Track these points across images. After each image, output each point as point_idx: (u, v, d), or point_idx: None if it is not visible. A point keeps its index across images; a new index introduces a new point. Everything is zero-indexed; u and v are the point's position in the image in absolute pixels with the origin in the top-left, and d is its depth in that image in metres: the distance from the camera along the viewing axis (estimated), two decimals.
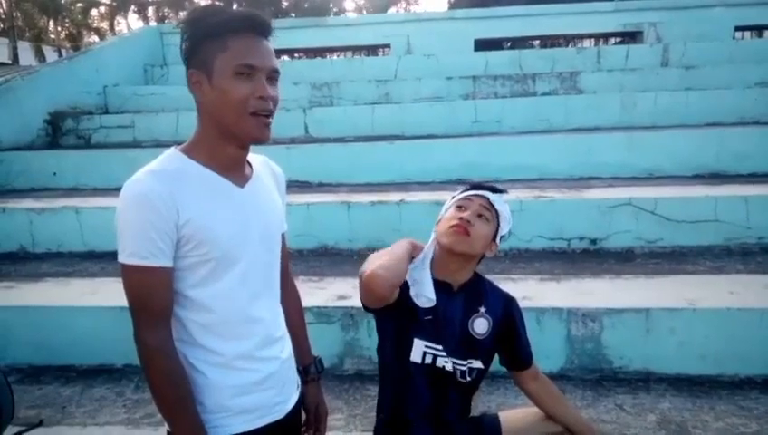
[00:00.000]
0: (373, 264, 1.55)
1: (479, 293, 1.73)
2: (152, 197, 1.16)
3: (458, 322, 1.68)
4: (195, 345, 1.28)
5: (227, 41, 1.19)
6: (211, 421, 1.28)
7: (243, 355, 1.31)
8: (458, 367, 1.68)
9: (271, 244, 1.39)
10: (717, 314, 2.94)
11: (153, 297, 1.20)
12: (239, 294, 1.29)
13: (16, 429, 2.21)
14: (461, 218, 1.64)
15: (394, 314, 1.66)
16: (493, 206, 1.70)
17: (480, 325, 1.69)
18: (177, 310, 1.26)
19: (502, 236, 1.74)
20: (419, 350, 1.65)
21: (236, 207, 1.28)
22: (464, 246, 1.63)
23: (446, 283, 1.68)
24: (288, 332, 1.52)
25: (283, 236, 1.51)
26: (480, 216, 1.67)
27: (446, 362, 1.65)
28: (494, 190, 1.74)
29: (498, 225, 1.71)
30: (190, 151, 1.27)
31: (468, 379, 1.70)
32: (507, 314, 1.76)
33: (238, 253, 1.27)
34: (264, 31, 1.24)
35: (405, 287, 1.64)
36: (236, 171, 1.31)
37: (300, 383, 1.54)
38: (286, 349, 1.44)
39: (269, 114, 1.23)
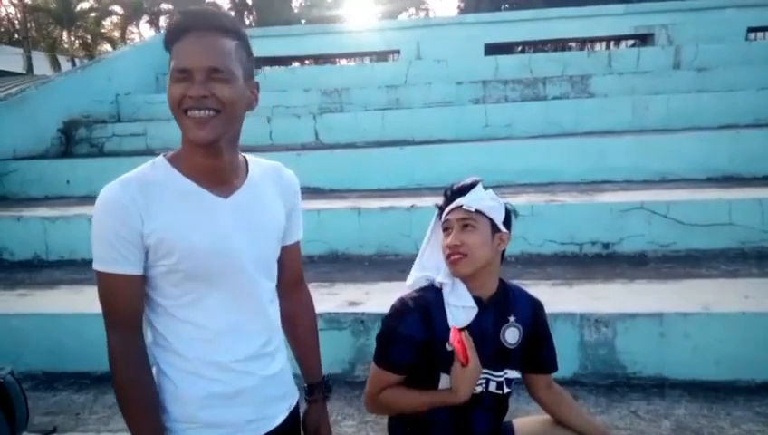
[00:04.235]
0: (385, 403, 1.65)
1: (507, 301, 1.69)
2: (116, 205, 1.18)
3: (491, 335, 1.65)
4: (167, 350, 1.27)
5: (173, 48, 1.19)
6: (176, 431, 1.26)
7: (214, 364, 1.27)
8: (494, 379, 1.66)
9: (261, 255, 1.33)
10: (732, 319, 2.90)
11: (116, 303, 1.21)
12: (215, 306, 1.26)
13: None
14: (449, 246, 1.60)
15: (419, 365, 1.63)
16: (471, 209, 1.61)
17: (511, 335, 1.67)
18: (152, 316, 1.28)
19: (505, 223, 1.66)
20: (447, 383, 1.61)
21: (214, 219, 1.24)
22: (468, 268, 1.60)
23: (476, 297, 1.64)
24: (295, 346, 1.50)
25: (299, 243, 1.49)
26: (465, 226, 1.60)
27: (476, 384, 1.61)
28: (464, 191, 1.65)
29: (490, 218, 1.63)
30: (175, 160, 1.26)
31: (506, 390, 1.68)
32: (536, 318, 1.73)
33: (215, 265, 1.24)
34: (206, 25, 1.18)
35: (430, 332, 1.60)
36: (217, 181, 1.26)
37: (297, 402, 1.48)
38: (272, 366, 1.37)
39: (203, 110, 1.16)
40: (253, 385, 1.31)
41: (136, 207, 1.18)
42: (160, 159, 1.27)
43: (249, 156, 1.39)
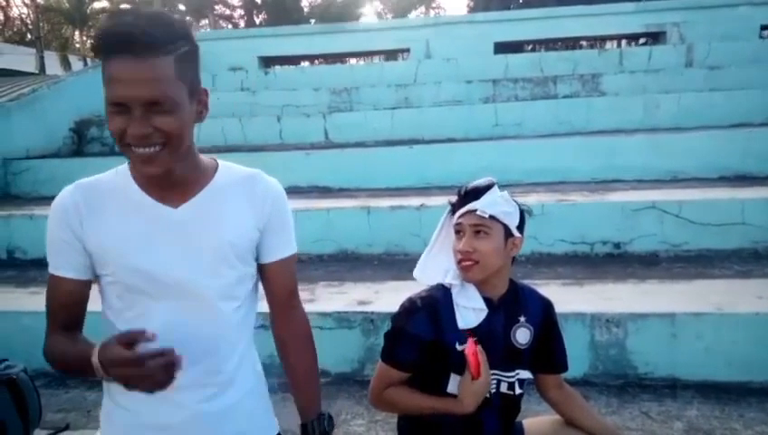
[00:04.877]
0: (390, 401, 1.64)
1: (518, 302, 1.68)
2: (59, 208, 1.17)
3: (501, 335, 1.63)
4: None
5: (106, 64, 1.04)
6: None
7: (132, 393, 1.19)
8: (505, 379, 1.65)
9: (211, 273, 1.19)
10: (745, 319, 2.87)
11: (55, 305, 1.20)
12: (157, 325, 1.13)
13: (44, 432, 2.25)
14: (460, 252, 1.57)
15: (426, 364, 1.62)
16: (485, 215, 1.56)
17: (522, 335, 1.65)
18: (104, 324, 1.23)
19: (518, 227, 1.61)
20: (456, 383, 1.60)
21: (160, 230, 1.15)
22: (479, 275, 1.58)
23: (486, 298, 1.63)
24: (287, 375, 1.36)
25: (286, 261, 1.32)
26: (477, 232, 1.56)
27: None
28: (479, 194, 1.59)
29: (504, 223, 1.58)
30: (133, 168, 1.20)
31: (518, 391, 1.66)
32: (546, 318, 1.72)
33: (151, 282, 1.15)
34: (139, 48, 1.00)
35: (438, 331, 1.60)
36: (169, 190, 1.17)
37: None
38: (219, 401, 1.22)
39: (148, 147, 1.06)
40: (182, 420, 1.19)
41: (77, 211, 1.15)
42: (124, 166, 1.21)
43: (225, 162, 1.30)
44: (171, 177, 1.14)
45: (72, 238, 1.16)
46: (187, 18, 28.69)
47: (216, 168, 1.26)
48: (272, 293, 1.35)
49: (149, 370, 0.99)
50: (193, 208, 1.19)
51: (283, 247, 1.31)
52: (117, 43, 1.01)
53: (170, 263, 1.15)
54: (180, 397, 1.17)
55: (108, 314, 1.22)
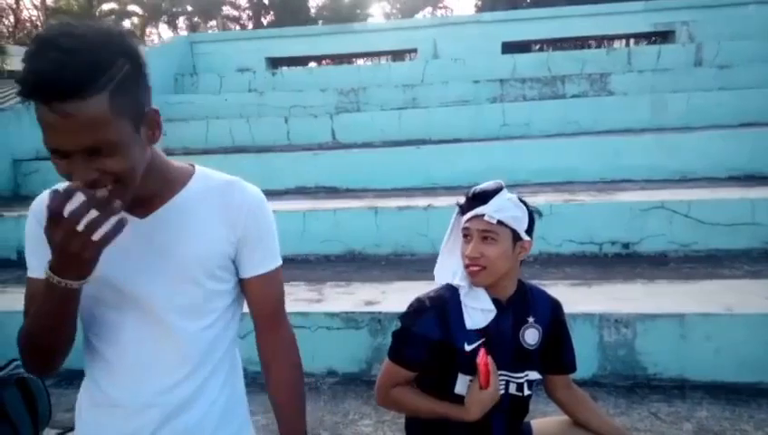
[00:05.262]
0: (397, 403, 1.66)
1: (526, 302, 1.67)
2: (37, 210, 1.13)
3: (510, 336, 1.63)
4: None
5: (36, 106, 0.91)
6: None
7: (98, 404, 1.16)
8: (514, 380, 1.64)
9: (181, 286, 1.12)
10: (756, 320, 2.85)
11: (28, 308, 1.13)
12: (121, 336, 1.12)
13: (53, 432, 2.26)
14: (468, 257, 1.56)
15: (434, 364, 1.62)
16: (492, 221, 1.54)
17: (531, 336, 1.65)
18: (83, 342, 1.20)
19: (527, 230, 1.60)
20: (464, 383, 1.60)
21: (125, 240, 1.04)
22: (486, 280, 1.58)
23: (495, 299, 1.62)
24: (270, 401, 1.26)
25: (267, 276, 1.22)
26: (485, 238, 1.55)
27: None
28: (486, 198, 1.56)
29: (513, 228, 1.56)
30: None
31: (527, 392, 1.66)
32: (555, 318, 1.71)
33: (121, 290, 1.10)
34: (67, 95, 0.87)
35: (447, 331, 1.60)
36: (140, 198, 1.08)
37: None
38: (177, 422, 1.15)
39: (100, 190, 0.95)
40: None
41: None
42: None
43: (203, 168, 1.21)
44: (137, 190, 1.05)
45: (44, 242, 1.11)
46: (196, 19, 28.84)
47: (191, 175, 1.17)
48: (253, 310, 1.25)
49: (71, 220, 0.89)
50: (159, 220, 1.11)
51: (263, 261, 1.21)
52: (39, 89, 0.88)
53: (133, 275, 1.10)
54: (137, 417, 1.13)
55: (83, 325, 1.16)
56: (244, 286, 1.23)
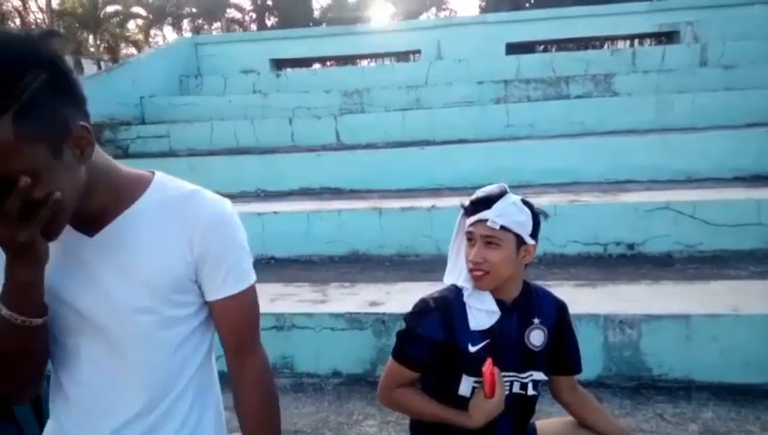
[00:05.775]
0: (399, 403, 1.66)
1: (531, 303, 1.67)
2: None
3: (515, 337, 1.63)
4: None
5: None
6: None
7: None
8: (518, 380, 1.64)
9: (134, 310, 1.01)
10: (762, 321, 2.84)
11: None
12: (78, 361, 1.04)
13: None
14: (472, 262, 1.56)
15: (438, 364, 1.62)
16: (495, 226, 1.52)
17: (536, 337, 1.64)
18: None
19: (532, 233, 1.58)
20: (468, 385, 1.60)
21: (75, 259, 0.99)
22: (490, 285, 1.58)
23: (499, 300, 1.62)
24: (240, 425, 1.16)
25: (234, 299, 1.09)
26: (489, 243, 1.53)
27: None
28: (490, 203, 1.54)
29: (517, 233, 1.54)
30: None
31: (531, 392, 1.65)
32: (561, 319, 1.71)
33: (77, 311, 1.01)
34: None
35: (451, 332, 1.59)
36: (83, 218, 0.98)
37: None
38: None
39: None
40: None
41: None
42: None
43: (164, 177, 1.09)
44: (83, 208, 0.95)
45: None
46: (200, 21, 28.90)
47: (147, 185, 1.05)
48: (221, 336, 1.14)
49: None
50: (106, 238, 1.00)
51: (226, 282, 1.08)
52: None
53: (83, 296, 1.00)
54: None
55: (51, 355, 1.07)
56: (211, 310, 1.11)
